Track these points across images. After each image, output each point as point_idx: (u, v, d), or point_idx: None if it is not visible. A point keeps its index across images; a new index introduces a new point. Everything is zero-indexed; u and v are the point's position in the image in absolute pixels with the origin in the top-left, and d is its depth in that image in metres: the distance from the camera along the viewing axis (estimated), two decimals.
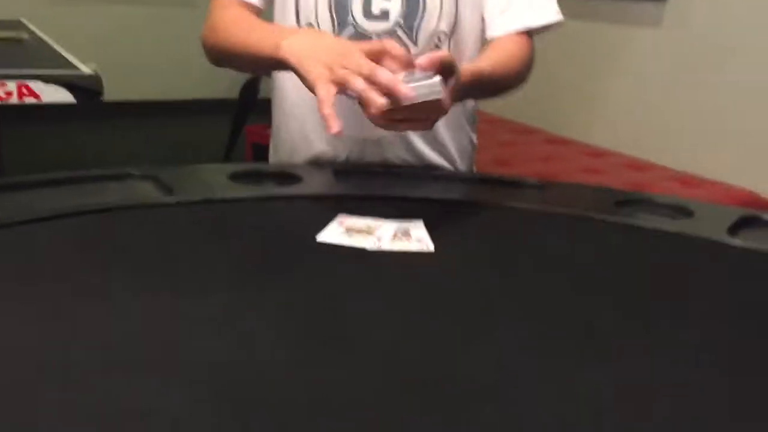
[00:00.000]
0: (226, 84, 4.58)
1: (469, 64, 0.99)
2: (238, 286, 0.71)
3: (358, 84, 0.85)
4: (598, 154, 2.86)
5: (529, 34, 1.15)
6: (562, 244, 0.88)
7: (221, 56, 1.11)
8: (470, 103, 1.22)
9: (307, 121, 1.15)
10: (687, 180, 2.54)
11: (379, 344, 0.62)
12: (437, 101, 0.85)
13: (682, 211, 0.99)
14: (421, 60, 0.86)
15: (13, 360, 0.55)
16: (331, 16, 1.11)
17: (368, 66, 0.86)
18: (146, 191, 0.95)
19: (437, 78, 0.85)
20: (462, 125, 1.24)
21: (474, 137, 1.27)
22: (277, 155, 1.26)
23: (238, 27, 1.07)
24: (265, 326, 0.63)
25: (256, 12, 1.13)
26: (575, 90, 3.29)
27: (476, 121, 1.27)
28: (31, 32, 2.64)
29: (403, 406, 0.53)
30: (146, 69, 5.15)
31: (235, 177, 1.00)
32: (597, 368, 0.60)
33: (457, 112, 1.20)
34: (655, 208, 1.02)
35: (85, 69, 1.99)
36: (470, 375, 0.58)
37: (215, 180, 1.01)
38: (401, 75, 0.86)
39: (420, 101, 0.83)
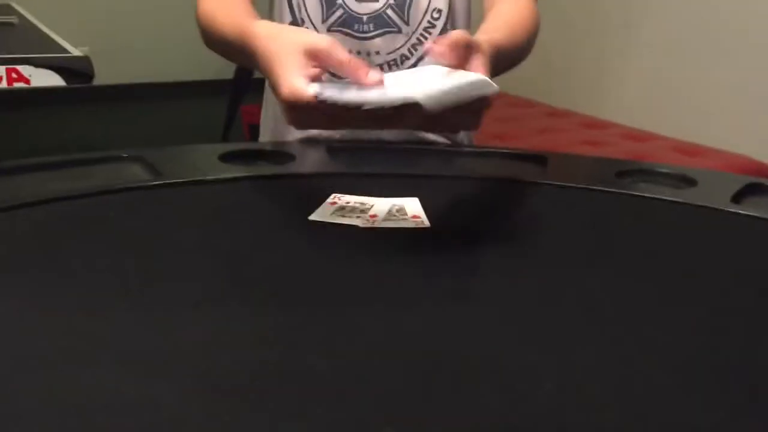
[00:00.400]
0: (221, 64, 4.56)
1: (483, 36, 0.88)
2: (229, 268, 0.69)
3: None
4: (598, 125, 2.84)
5: None
6: (562, 217, 0.85)
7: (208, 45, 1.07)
8: None
9: None
10: (688, 149, 2.51)
11: (374, 322, 0.60)
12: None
13: (684, 180, 0.97)
14: (438, 48, 0.74)
15: None
16: (320, 2, 1.08)
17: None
18: (135, 173, 0.93)
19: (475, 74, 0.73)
20: None
21: None
22: (269, 134, 1.24)
23: (218, 24, 1.00)
24: (256, 309, 0.61)
25: None
26: (573, 61, 3.25)
27: None
28: (21, 16, 2.61)
29: (402, 384, 0.51)
30: (139, 51, 5.12)
31: (226, 157, 0.98)
32: (599, 341, 0.58)
33: None
34: (656, 177, 0.99)
35: (76, 52, 1.96)
36: (469, 350, 0.56)
37: (205, 160, 0.99)
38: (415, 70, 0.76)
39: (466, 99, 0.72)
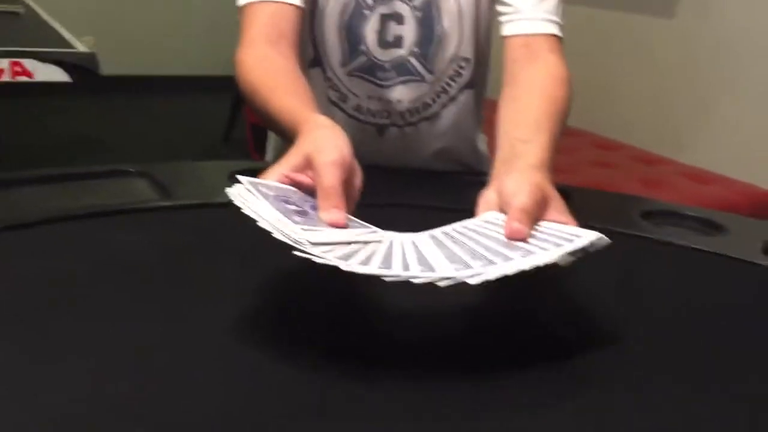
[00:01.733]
0: (228, 60, 4.53)
1: (528, 161, 0.76)
2: (238, 299, 0.65)
3: None
4: (609, 146, 2.80)
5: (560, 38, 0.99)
6: (587, 263, 0.81)
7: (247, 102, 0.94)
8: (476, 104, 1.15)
9: None
10: (698, 175, 2.48)
11: (379, 368, 0.55)
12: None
13: (712, 226, 0.93)
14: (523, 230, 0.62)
15: None
16: (341, 44, 1.04)
17: None
18: (141, 191, 0.89)
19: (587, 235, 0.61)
20: (475, 134, 1.19)
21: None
22: (275, 147, 1.20)
23: (267, 100, 0.86)
24: (267, 347, 0.57)
25: (296, 14, 0.95)
26: (585, 80, 3.22)
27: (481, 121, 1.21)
28: (27, 5, 2.57)
29: None
30: (145, 43, 5.08)
31: (235, 176, 0.94)
32: (617, 400, 0.54)
33: (470, 120, 1.14)
34: (683, 221, 0.95)
35: (81, 47, 1.92)
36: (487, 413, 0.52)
37: (214, 179, 0.94)
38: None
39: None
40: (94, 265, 0.69)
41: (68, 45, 1.93)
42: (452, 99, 1.09)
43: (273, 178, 0.66)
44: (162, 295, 0.65)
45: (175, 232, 0.79)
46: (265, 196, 0.61)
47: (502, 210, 0.67)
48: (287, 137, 0.80)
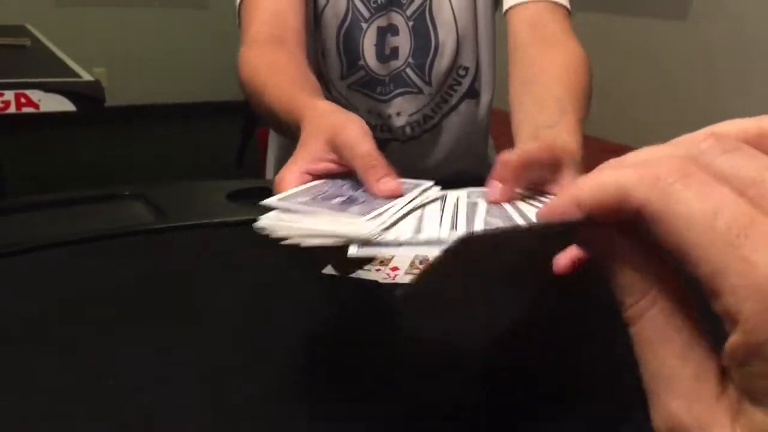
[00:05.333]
0: (238, 85, 4.54)
1: (563, 141, 0.67)
2: (237, 332, 0.62)
3: None
4: (620, 151, 2.76)
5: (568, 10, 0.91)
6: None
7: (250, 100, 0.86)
8: (483, 110, 1.12)
9: None
10: None
11: (390, 402, 0.52)
12: None
13: None
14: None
15: None
16: (339, 57, 1.01)
17: None
18: (136, 214, 0.86)
19: None
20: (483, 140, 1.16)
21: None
22: (275, 164, 1.18)
23: (269, 88, 0.76)
24: (264, 388, 0.54)
25: (300, 5, 0.88)
26: (596, 85, 3.18)
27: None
28: (35, 38, 2.58)
29: None
30: (156, 72, 5.11)
31: (235, 196, 0.91)
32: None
33: (474, 129, 1.11)
34: None
35: (86, 75, 1.91)
36: None
37: (212, 200, 0.92)
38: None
39: None
40: (79, 293, 0.66)
41: (74, 74, 1.93)
42: (453, 108, 1.07)
43: (293, 182, 0.52)
44: (147, 325, 0.62)
45: (170, 254, 0.76)
46: (304, 206, 0.46)
47: None
48: (292, 133, 0.67)
